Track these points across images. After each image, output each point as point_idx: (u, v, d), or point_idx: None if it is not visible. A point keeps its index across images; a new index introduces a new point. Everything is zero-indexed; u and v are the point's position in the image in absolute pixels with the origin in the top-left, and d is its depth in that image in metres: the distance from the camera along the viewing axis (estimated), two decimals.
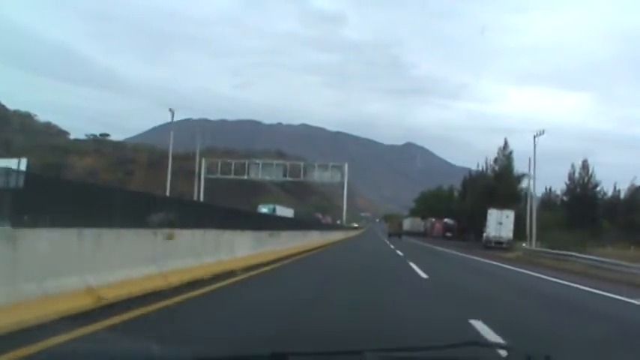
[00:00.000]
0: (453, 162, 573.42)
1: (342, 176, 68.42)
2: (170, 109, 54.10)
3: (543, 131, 42.33)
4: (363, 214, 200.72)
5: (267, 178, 74.61)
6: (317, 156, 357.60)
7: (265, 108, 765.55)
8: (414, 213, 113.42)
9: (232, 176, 73.20)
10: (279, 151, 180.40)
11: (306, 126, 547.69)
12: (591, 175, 61.36)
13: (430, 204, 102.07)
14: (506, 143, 64.56)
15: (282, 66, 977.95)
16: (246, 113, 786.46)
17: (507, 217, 49.34)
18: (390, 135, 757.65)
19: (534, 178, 45.06)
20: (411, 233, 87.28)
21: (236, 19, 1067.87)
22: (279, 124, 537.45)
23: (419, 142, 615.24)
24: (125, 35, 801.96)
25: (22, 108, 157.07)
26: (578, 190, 59.86)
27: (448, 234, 74.92)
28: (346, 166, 69.43)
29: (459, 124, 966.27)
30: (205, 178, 73.75)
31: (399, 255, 27.04)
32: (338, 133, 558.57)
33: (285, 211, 62.85)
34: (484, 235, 50.84)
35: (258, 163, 71.16)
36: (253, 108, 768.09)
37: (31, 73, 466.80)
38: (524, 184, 60.39)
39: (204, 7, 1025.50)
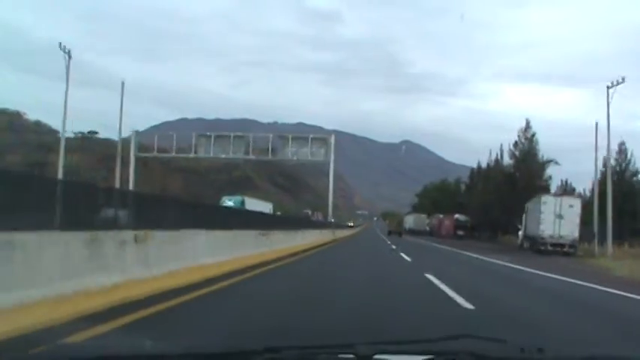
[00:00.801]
0: (450, 159, 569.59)
1: (327, 153, 53.26)
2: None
3: (623, 79, 33.33)
4: (359, 212, 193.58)
5: (223, 156, 55.32)
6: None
7: (261, 107, 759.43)
8: (416, 209, 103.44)
9: (174, 154, 59.44)
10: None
11: (302, 124, 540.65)
12: (629, 161, 51.31)
13: (434, 199, 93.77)
14: (528, 124, 55.32)
15: (278, 64, 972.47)
16: (242, 112, 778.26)
17: (571, 206, 34.34)
18: (386, 133, 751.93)
19: (609, 149, 35.98)
20: (414, 232, 79.20)
21: (231, 17, 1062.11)
22: (275, 122, 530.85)
23: (416, 140, 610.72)
24: (119, 34, 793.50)
25: (14, 107, 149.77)
26: (616, 178, 46.31)
27: (460, 232, 65.65)
28: (332, 138, 55.31)
29: (456, 121, 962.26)
30: (141, 160, 62.78)
31: (413, 266, 18.76)
32: (334, 131, 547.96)
33: (258, 205, 48.81)
34: (520, 233, 41.37)
35: (210, 135, 54.10)
36: (249, 107, 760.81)
37: (23, 73, 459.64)
38: (549, 171, 53.21)
39: (199, 6, 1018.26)
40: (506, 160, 58.41)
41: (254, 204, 48.61)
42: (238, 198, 50.78)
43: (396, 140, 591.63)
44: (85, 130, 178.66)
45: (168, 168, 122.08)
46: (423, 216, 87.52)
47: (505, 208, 51.13)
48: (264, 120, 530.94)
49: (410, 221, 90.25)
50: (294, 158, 55.88)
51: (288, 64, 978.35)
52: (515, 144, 55.84)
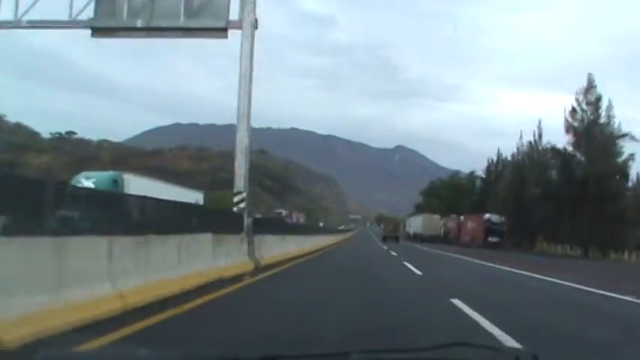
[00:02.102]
0: (445, 165, 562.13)
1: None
2: None
3: None
4: (352, 216, 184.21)
5: None
6: (306, 160, 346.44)
7: (255, 112, 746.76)
8: (421, 210, 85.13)
9: None
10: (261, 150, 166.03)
11: (295, 130, 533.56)
12: None
13: (442, 197, 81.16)
14: (591, 82, 41.19)
15: (271, 70, 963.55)
16: (236, 118, 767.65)
17: None
18: (380, 138, 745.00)
19: None
20: (423, 238, 63.06)
21: None
22: (269, 128, 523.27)
23: (410, 145, 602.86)
24: (113, 40, 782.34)
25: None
26: None
27: (493, 239, 46.63)
28: None
29: (451, 126, 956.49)
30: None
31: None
32: (328, 136, 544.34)
33: (159, 190, 27.09)
34: None
35: None
36: None
37: (18, 79, 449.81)
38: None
39: None
40: (547, 140, 46.84)
41: (147, 187, 25.59)
42: (106, 175, 29.38)
43: (391, 145, 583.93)
44: (64, 130, 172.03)
45: (148, 170, 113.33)
46: (436, 217, 67.56)
47: (558, 205, 38.99)
48: (258, 125, 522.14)
49: (416, 224, 71.93)
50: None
51: (282, 70, 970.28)
52: (573, 111, 41.49)
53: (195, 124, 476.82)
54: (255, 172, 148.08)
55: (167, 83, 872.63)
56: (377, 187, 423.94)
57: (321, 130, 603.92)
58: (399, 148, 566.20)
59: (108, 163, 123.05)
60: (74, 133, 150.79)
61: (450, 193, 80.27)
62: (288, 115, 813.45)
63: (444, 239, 59.25)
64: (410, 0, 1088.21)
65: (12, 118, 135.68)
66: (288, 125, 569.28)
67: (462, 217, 57.99)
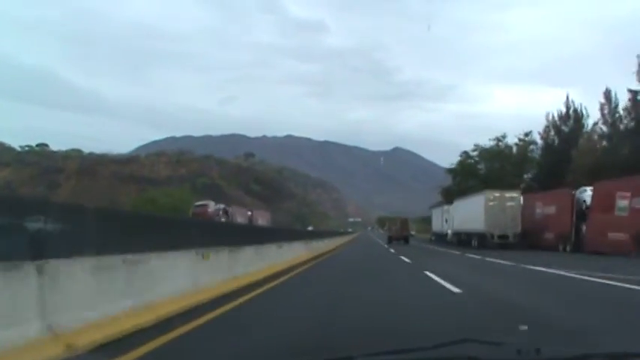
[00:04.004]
0: (442, 164, 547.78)
1: None
2: None
3: None
4: (351, 220, 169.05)
5: None
6: (303, 166, 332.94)
7: (250, 121, 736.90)
8: (449, 195, 56.01)
9: None
10: (248, 153, 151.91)
11: (291, 137, 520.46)
12: None
13: (479, 174, 57.92)
14: None
15: (264, 78, 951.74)
16: (231, 128, 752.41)
17: None
18: (377, 141, 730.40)
19: None
20: (481, 240, 35.67)
21: (215, 33, 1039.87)
22: (264, 136, 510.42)
23: (407, 147, 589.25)
24: (106, 56, 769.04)
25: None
26: None
27: None
28: None
29: (447, 126, 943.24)
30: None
31: None
32: (324, 142, 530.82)
33: None
34: None
35: None
36: (238, 122, 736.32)
37: (13, 101, 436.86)
38: None
39: (183, 23, 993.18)
40: None
41: None
42: None
43: (388, 148, 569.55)
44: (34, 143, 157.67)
45: (118, 178, 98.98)
46: (513, 196, 36.83)
47: None
48: (253, 134, 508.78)
49: (465, 214, 40.68)
50: None
51: (275, 77, 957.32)
52: None
53: (190, 136, 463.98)
54: (242, 176, 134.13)
55: (162, 97, 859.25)
56: (376, 190, 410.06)
57: (317, 136, 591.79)
58: (396, 150, 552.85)
59: (74, 173, 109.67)
60: (45, 145, 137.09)
61: (496, 167, 57.36)
62: (283, 122, 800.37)
63: (523, 240, 34.02)
64: (399, 2, 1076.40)
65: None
66: (283, 133, 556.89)
67: (587, 191, 29.26)
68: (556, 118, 53.95)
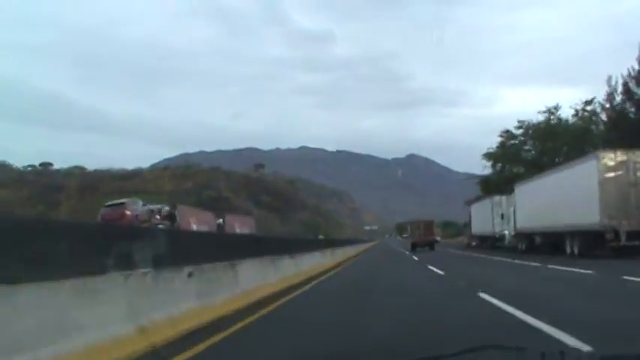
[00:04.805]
0: (457, 169, 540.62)
1: None
2: None
3: None
4: (368, 228, 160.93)
5: None
6: (317, 176, 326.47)
7: (263, 135, 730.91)
8: (489, 186, 48.34)
9: None
10: (258, 164, 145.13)
11: (305, 148, 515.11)
12: None
13: (524, 159, 47.13)
14: None
15: (275, 91, 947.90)
16: (244, 142, 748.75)
17: None
18: (391, 149, 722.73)
19: None
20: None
21: (222, 48, 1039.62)
22: (277, 149, 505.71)
23: (421, 153, 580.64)
24: (114, 76, 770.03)
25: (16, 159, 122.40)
26: None
27: None
28: None
29: (460, 130, 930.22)
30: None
31: None
32: (338, 152, 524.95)
33: None
34: None
35: None
36: (250, 136, 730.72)
37: (23, 124, 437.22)
38: None
39: (190, 41, 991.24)
40: None
41: None
42: None
43: (402, 155, 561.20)
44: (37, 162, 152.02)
45: (119, 194, 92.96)
46: None
47: None
48: (266, 147, 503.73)
49: (537, 204, 27.68)
50: None
51: (285, 89, 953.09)
52: None
53: (203, 152, 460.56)
54: (252, 187, 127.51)
55: (173, 115, 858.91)
56: (392, 197, 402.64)
57: (331, 147, 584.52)
58: (410, 157, 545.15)
59: (74, 191, 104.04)
60: (50, 164, 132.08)
61: (548, 146, 45.28)
62: (295, 134, 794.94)
63: None
64: (407, 8, 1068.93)
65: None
66: (296, 144, 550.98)
67: None
68: (626, 78, 39.70)
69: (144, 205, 31.68)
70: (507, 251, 31.73)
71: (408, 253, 33.78)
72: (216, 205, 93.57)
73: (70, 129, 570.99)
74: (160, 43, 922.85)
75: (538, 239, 28.13)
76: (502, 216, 36.57)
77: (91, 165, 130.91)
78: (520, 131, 48.51)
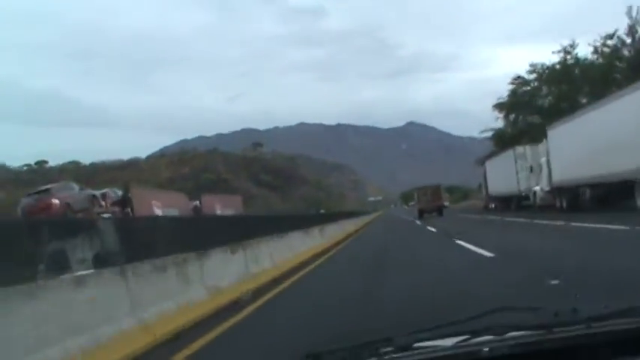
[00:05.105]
0: (457, 133, 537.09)
1: None
2: None
3: None
4: (372, 199, 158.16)
5: None
6: (318, 151, 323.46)
7: (260, 114, 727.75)
8: (503, 139, 44.38)
9: None
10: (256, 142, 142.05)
11: (303, 124, 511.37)
12: None
13: (539, 107, 42.63)
14: None
15: (270, 69, 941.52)
16: (242, 123, 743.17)
17: None
18: (390, 118, 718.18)
19: None
20: None
21: (215, 31, 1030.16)
22: (276, 127, 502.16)
23: (420, 120, 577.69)
24: (108, 69, 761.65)
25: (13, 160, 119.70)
26: None
27: None
28: None
29: (456, 95, 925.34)
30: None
31: None
32: (337, 125, 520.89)
33: None
34: None
35: None
36: (248, 117, 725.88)
37: (22, 125, 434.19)
38: None
39: (182, 26, 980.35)
40: None
41: None
42: None
43: (401, 123, 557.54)
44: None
45: (115, 184, 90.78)
46: None
47: None
48: (265, 127, 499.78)
49: (585, 149, 21.74)
50: None
51: (281, 67, 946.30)
52: None
53: (202, 137, 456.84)
54: (251, 167, 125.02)
55: (170, 102, 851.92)
56: (394, 167, 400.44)
57: (329, 121, 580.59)
58: (409, 125, 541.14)
59: None
60: (45, 162, 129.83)
61: (565, 90, 40.23)
62: (293, 111, 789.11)
63: None
64: None
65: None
66: (294, 121, 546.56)
67: None
68: None
69: (81, 189, 25.23)
70: (540, 211, 27.07)
71: (419, 223, 30.51)
72: (216, 188, 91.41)
73: (66, 125, 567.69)
74: (153, 31, 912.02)
75: (588, 193, 22.62)
76: (530, 169, 30.70)
77: (87, 159, 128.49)
78: (533, 76, 43.23)
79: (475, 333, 1.47)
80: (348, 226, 27.55)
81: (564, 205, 24.76)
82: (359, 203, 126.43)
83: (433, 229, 22.40)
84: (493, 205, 39.95)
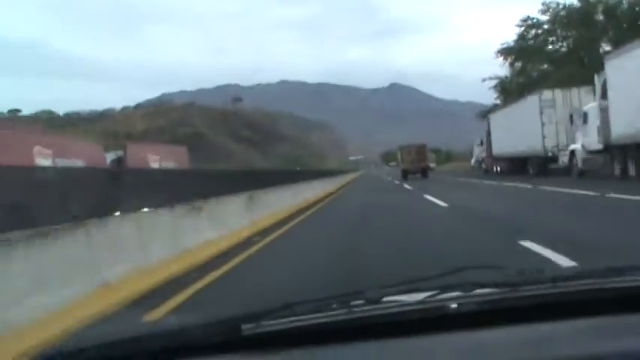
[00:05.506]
0: (441, 96, 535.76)
1: None
2: None
3: None
4: (352, 158, 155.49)
5: None
6: (300, 110, 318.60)
7: (243, 71, 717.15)
8: (508, 91, 40.32)
9: None
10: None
11: (285, 82, 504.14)
12: None
13: (556, 61, 36.21)
14: None
15: (254, 27, 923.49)
16: (224, 79, 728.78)
17: None
18: (373, 79, 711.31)
19: None
20: None
21: None
22: (258, 84, 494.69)
23: (404, 82, 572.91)
24: (92, 19, 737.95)
25: None
26: None
27: None
28: None
29: (442, 58, 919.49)
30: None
31: None
32: (319, 84, 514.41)
33: None
34: None
35: None
36: (231, 73, 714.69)
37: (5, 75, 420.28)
38: None
39: None
40: None
41: None
42: None
43: (384, 84, 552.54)
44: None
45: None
46: None
47: None
48: (247, 83, 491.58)
49: None
50: None
51: (265, 25, 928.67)
52: None
53: (184, 91, 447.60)
54: (230, 122, 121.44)
55: (151, 56, 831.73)
56: (376, 128, 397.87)
57: (312, 80, 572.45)
58: (393, 86, 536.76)
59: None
60: (18, 110, 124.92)
61: (584, 35, 33.57)
62: (276, 68, 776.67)
63: None
64: None
65: None
66: (277, 79, 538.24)
67: None
68: None
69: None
70: (582, 178, 20.62)
71: (409, 187, 24.21)
72: (192, 142, 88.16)
73: (44, 75, 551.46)
74: None
75: None
76: (570, 119, 23.19)
77: (62, 110, 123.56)
78: (545, 17, 36.59)
79: (443, 289, 1.48)
80: (322, 187, 24.21)
81: (632, 170, 17.21)
82: (340, 162, 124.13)
83: (433, 199, 14.87)
84: (498, 169, 33.11)
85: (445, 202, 13.52)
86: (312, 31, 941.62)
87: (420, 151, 37.49)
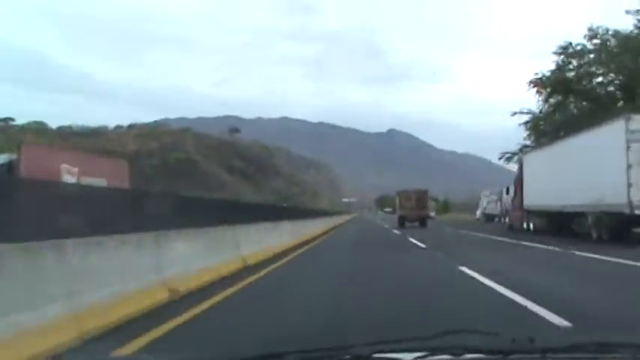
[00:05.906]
0: (439, 146, 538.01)
1: None
2: None
3: None
4: (345, 200, 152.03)
5: None
6: (297, 147, 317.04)
7: (245, 104, 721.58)
8: (540, 131, 33.87)
9: None
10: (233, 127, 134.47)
11: (286, 119, 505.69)
12: None
13: (593, 95, 30.49)
14: None
15: (259, 61, 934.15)
16: (225, 110, 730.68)
17: None
18: (372, 123, 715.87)
19: None
20: None
21: (209, 16, 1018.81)
22: (259, 118, 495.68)
23: (403, 128, 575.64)
24: (99, 39, 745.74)
25: None
26: None
27: None
28: None
29: (442, 107, 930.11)
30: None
31: None
32: (320, 124, 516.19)
33: None
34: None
35: None
36: (233, 104, 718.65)
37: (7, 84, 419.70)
38: None
39: (176, 7, 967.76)
40: None
41: None
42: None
43: (383, 129, 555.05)
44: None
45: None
46: None
47: None
48: (248, 116, 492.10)
49: None
50: None
51: (270, 60, 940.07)
52: None
53: (184, 118, 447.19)
54: (225, 152, 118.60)
55: (156, 80, 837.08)
56: (372, 172, 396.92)
57: (313, 118, 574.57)
58: (391, 132, 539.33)
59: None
60: (12, 119, 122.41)
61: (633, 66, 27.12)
62: (278, 104, 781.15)
63: None
64: None
65: None
66: (278, 114, 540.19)
67: None
68: None
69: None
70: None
71: (418, 243, 17.52)
72: (184, 168, 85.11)
73: (39, 86, 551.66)
74: (150, 9, 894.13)
75: None
76: None
77: (55, 123, 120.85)
78: (592, 44, 30.45)
79: (434, 350, 1.47)
80: (316, 226, 20.64)
81: None
82: (332, 203, 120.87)
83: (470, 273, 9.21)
84: (530, 225, 26.23)
85: (497, 281, 7.68)
86: (317, 69, 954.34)
87: (421, 197, 34.12)
